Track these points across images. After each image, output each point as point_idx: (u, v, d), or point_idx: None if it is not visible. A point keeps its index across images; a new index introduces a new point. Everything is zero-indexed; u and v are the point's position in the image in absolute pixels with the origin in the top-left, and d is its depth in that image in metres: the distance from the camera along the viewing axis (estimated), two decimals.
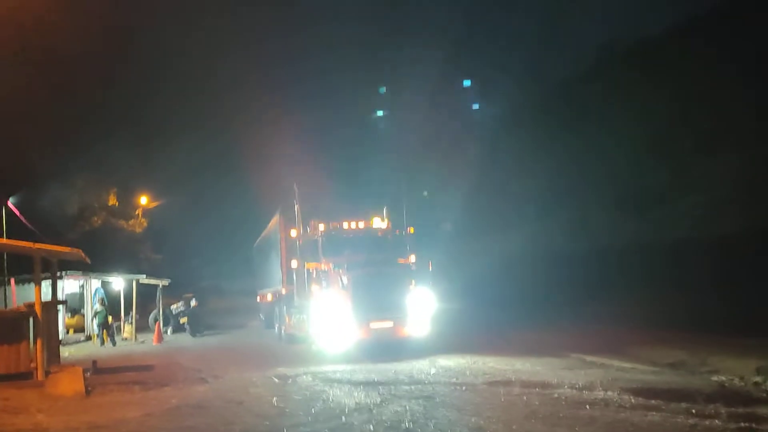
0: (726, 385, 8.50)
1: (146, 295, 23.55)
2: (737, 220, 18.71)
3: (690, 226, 20.60)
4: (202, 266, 55.39)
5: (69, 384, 9.32)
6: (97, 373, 10.95)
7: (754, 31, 20.86)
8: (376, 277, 13.03)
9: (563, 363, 11.17)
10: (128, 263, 26.77)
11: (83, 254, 10.97)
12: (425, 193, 29.38)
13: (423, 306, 13.15)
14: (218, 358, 14.37)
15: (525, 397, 7.91)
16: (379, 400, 8.05)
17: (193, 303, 22.96)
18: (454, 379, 9.73)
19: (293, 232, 14.44)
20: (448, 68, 39.64)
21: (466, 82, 51.59)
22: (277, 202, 17.20)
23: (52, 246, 11.00)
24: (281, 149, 31.87)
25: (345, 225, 14.42)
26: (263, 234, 21.90)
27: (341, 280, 12.85)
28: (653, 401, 7.47)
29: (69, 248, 11.00)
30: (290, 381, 10.17)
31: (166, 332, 21.68)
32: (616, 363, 11.08)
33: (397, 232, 14.41)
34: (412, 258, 13.86)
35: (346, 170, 29.15)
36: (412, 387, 9.06)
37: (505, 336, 15.27)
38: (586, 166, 26.74)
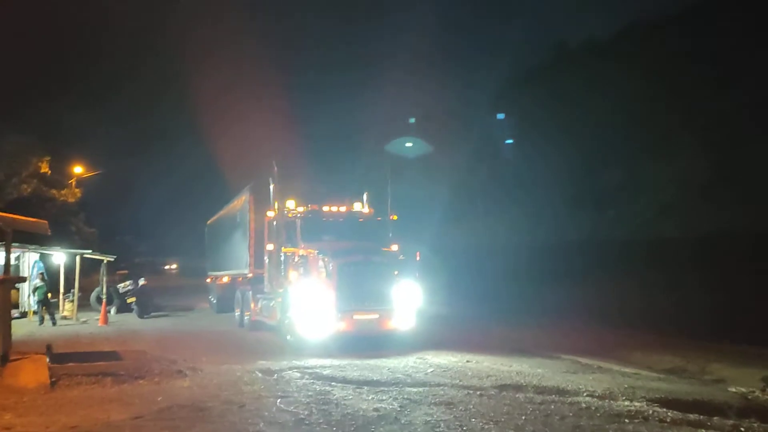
0: (749, 397, 8.25)
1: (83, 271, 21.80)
2: (682, 223, 19.05)
3: (639, 227, 20.85)
4: (137, 242, 53.11)
5: (32, 374, 8.19)
6: (56, 361, 9.71)
7: (708, 34, 21.17)
8: (364, 265, 12.32)
9: (561, 365, 10.79)
10: (59, 236, 24.85)
11: (47, 227, 9.67)
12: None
13: (409, 298, 12.52)
14: (182, 345, 13.25)
15: (552, 406, 7.38)
16: (397, 405, 7.33)
17: (141, 282, 21.55)
18: (458, 381, 9.12)
19: (270, 213, 13.38)
20: None
21: None
22: (246, 180, 16.13)
23: (15, 216, 9.62)
24: (251, 124, 30.10)
25: (326, 208, 13.52)
26: (223, 212, 20.63)
27: (325, 268, 11.99)
28: (691, 416, 7.08)
29: (34, 219, 9.64)
30: (278, 377, 9.32)
31: (109, 312, 20.21)
32: (615, 367, 10.81)
33: (379, 219, 13.66)
34: (395, 247, 13.16)
35: (327, 152, 27.96)
36: (421, 389, 8.37)
37: (485, 332, 14.82)
38: (545, 163, 26.80)
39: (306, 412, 6.89)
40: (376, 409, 7.08)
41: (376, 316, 12.24)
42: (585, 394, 8.14)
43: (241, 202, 16.63)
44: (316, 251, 12.31)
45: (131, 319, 19.90)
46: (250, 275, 15.41)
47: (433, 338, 13.08)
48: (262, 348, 12.64)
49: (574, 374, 9.95)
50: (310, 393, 8.00)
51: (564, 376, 9.70)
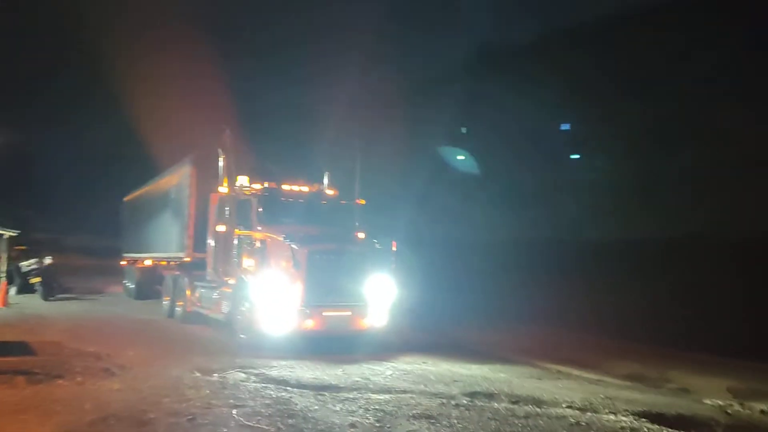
0: (729, 411, 7.93)
1: None
2: (605, 226, 19.31)
3: (564, 228, 20.95)
4: (39, 217, 49.07)
5: None
6: None
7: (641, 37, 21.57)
8: (337, 255, 10.92)
9: (522, 370, 10.25)
10: None
11: None
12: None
13: (384, 293, 11.23)
14: (101, 335, 11.76)
15: (540, 421, 6.74)
16: (372, 419, 6.45)
17: (47, 261, 19.52)
18: (422, 386, 8.36)
19: (223, 189, 11.79)
20: None
21: None
22: (183, 152, 14.52)
23: None
24: (185, 92, 27.38)
25: (285, 187, 12.01)
26: (148, 188, 18.77)
27: (293, 256, 10.39)
28: None
29: None
30: (222, 378, 8.21)
31: (8, 292, 18.11)
32: (575, 372, 10.43)
33: (344, 203, 12.35)
34: (361, 235, 11.96)
35: (283, 124, 25.91)
36: (388, 397, 7.54)
37: (442, 333, 14.12)
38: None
39: (272, 429, 5.89)
40: (352, 425, 6.17)
41: (348, 313, 10.90)
42: (564, 405, 7.59)
43: (178, 176, 14.75)
44: (283, 236, 10.68)
45: (35, 302, 17.92)
46: (188, 260, 13.69)
47: (388, 337, 12.08)
48: (200, 344, 11.31)
49: (539, 380, 9.45)
50: (267, 401, 6.98)
51: (531, 382, 9.17)
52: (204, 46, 26.63)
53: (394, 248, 11.47)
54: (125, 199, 22.72)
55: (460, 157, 26.79)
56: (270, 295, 10.37)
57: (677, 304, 13.59)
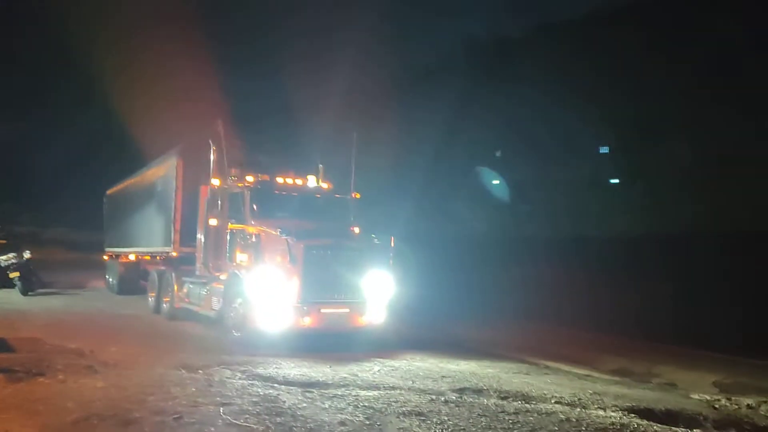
0: (716, 407, 7.97)
1: None
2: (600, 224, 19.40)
3: (560, 225, 21.02)
4: (18, 211, 48.26)
5: None
6: None
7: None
8: (336, 250, 10.64)
9: (512, 366, 10.27)
10: None
11: None
12: None
13: (382, 290, 11.02)
14: (83, 331, 11.54)
15: (531, 417, 6.68)
16: (362, 417, 6.36)
17: (27, 255, 19.17)
18: (411, 382, 8.27)
19: (215, 181, 11.50)
20: None
21: None
22: (169, 144, 14.24)
23: None
24: (171, 83, 26.63)
25: (279, 180, 11.74)
26: (132, 180, 18.41)
27: (289, 250, 10.11)
28: (673, 429, 6.69)
29: None
30: (207, 375, 8.03)
31: None
32: (563, 368, 10.50)
33: (338, 197, 12.07)
34: (357, 229, 11.78)
35: (273, 116, 25.33)
36: (377, 393, 7.44)
37: (430, 327, 14.06)
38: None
39: (261, 427, 5.77)
40: (341, 423, 6.08)
41: (347, 310, 10.67)
42: (553, 401, 7.59)
43: (165, 168, 14.41)
44: (279, 230, 10.38)
45: (14, 297, 17.59)
46: (174, 254, 13.40)
47: (381, 334, 11.75)
48: (187, 340, 11.10)
49: (527, 375, 9.48)
50: (254, 399, 6.85)
51: (519, 377, 9.20)
52: (194, 33, 25.91)
53: (392, 243, 11.27)
54: (108, 191, 22.38)
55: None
56: (266, 291, 10.08)
57: (670, 300, 13.68)
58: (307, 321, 10.26)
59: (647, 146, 20.45)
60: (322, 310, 10.41)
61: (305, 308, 10.22)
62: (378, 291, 10.95)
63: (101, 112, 30.76)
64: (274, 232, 10.48)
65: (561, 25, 26.06)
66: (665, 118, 19.97)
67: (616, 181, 23.71)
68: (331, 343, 10.59)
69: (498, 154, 28.20)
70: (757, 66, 16.70)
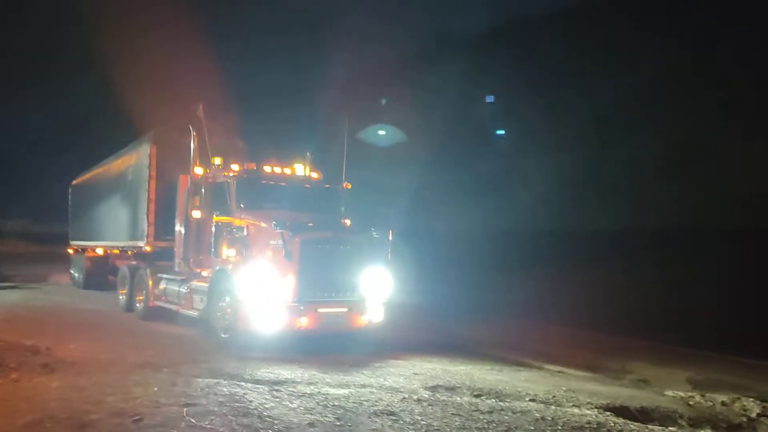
0: (691, 403, 7.93)
1: None
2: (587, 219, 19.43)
3: (547, 220, 21.01)
4: None
5: None
6: None
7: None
8: (333, 245, 9.94)
9: (485, 363, 10.05)
10: None
11: None
12: None
13: (381, 287, 10.35)
14: (41, 327, 11.05)
15: (506, 416, 6.53)
16: (332, 417, 6.13)
17: None
18: (382, 380, 8.06)
19: (198, 170, 10.69)
20: None
21: None
22: (142, 129, 13.57)
23: None
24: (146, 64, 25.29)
25: (267, 169, 10.90)
26: (100, 170, 17.69)
27: (284, 245, 9.37)
28: (649, 427, 6.61)
29: None
30: (170, 373, 7.74)
31: None
32: (537, 363, 10.34)
33: (328, 187, 11.32)
34: (348, 222, 11.11)
35: (258, 99, 24.30)
36: (346, 392, 7.23)
37: (409, 325, 13.83)
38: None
39: (225, 430, 5.50)
40: (311, 424, 5.84)
41: (345, 309, 9.93)
42: (528, 399, 7.45)
43: (136, 155, 13.60)
44: (274, 223, 9.55)
45: None
46: (148, 249, 12.73)
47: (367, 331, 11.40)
48: (156, 338, 10.63)
49: (500, 372, 9.30)
50: (220, 399, 6.57)
51: (492, 374, 9.02)
52: (177, 10, 24.38)
53: (390, 238, 10.70)
54: (74, 181, 21.66)
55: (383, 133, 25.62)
56: (258, 289, 9.32)
57: (649, 296, 13.72)
58: (304, 322, 9.56)
59: (613, 143, 20.50)
60: (320, 310, 9.72)
61: (301, 308, 9.53)
62: (377, 288, 10.30)
63: (68, 95, 29.31)
64: (267, 225, 9.80)
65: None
66: (638, 112, 20.05)
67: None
68: (323, 344, 9.92)
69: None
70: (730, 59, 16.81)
